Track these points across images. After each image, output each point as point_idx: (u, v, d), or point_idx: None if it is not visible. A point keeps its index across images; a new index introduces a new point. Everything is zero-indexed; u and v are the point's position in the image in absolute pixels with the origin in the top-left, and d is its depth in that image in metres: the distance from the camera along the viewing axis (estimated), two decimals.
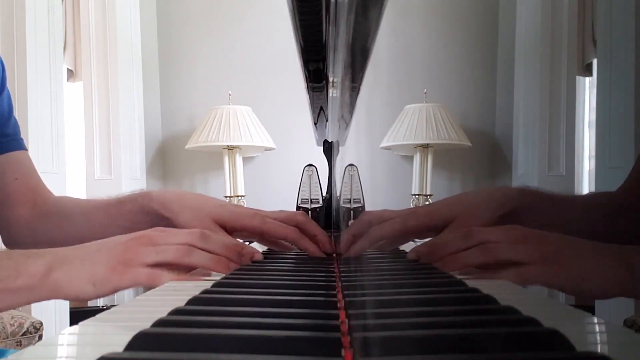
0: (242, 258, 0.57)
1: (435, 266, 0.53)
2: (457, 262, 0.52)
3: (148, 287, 0.49)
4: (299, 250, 0.71)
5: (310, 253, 0.67)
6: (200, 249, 0.53)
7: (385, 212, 0.69)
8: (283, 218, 0.69)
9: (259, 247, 0.72)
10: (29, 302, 0.49)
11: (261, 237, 0.72)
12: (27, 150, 0.82)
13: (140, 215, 0.71)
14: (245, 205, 2.52)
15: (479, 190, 0.75)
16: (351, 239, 0.64)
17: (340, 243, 0.67)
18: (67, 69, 2.45)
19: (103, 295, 0.49)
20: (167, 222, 0.69)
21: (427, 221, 0.66)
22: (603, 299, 0.48)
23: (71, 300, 0.51)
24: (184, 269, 0.54)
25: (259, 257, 0.58)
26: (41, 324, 1.63)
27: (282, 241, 0.73)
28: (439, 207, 0.68)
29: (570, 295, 0.50)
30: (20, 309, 1.70)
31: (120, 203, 0.74)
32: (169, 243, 0.52)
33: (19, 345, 1.54)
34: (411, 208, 0.74)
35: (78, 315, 1.79)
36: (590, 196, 0.89)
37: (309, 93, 0.76)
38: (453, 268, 0.51)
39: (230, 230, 0.68)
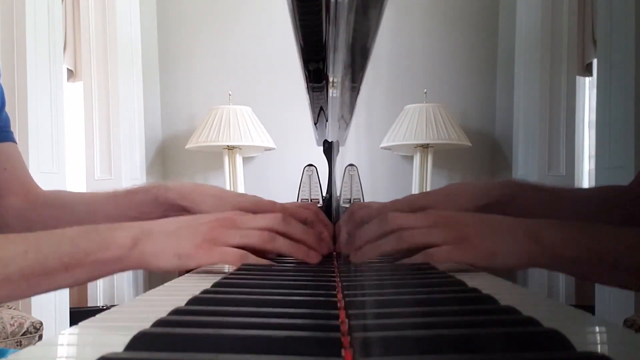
0: (322, 243, 0.59)
1: (355, 255, 0.55)
2: (373, 251, 0.53)
3: (233, 265, 0.52)
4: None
5: (324, 237, 0.67)
6: (281, 233, 0.55)
7: (372, 203, 0.71)
8: (299, 205, 0.74)
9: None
10: (118, 272, 0.51)
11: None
12: (16, 143, 0.82)
13: (152, 206, 0.71)
14: None
15: (464, 182, 0.76)
16: (347, 237, 0.65)
17: (339, 240, 0.67)
18: (67, 69, 2.45)
19: (188, 269, 0.53)
20: (184, 212, 0.69)
21: (407, 210, 0.66)
22: (514, 269, 0.51)
23: (157, 270, 0.51)
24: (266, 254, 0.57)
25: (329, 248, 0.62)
26: (41, 324, 1.63)
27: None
28: (420, 196, 0.71)
29: (484, 269, 0.53)
30: (20, 309, 1.70)
31: (130, 193, 0.74)
32: (252, 227, 0.54)
33: (19, 345, 1.54)
34: (394, 200, 0.74)
35: (78, 315, 1.79)
36: (597, 189, 0.88)
37: (309, 93, 0.76)
38: (369, 256, 0.53)
39: None
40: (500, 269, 0.50)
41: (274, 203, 0.71)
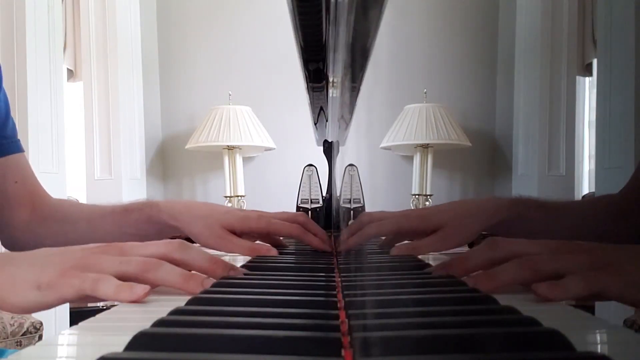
0: (226, 269, 0.49)
1: (466, 282, 0.45)
2: (495, 280, 0.43)
3: (93, 297, 0.41)
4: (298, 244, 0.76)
5: (314, 246, 0.71)
6: (176, 261, 0.46)
7: (382, 213, 0.71)
8: (286, 218, 0.72)
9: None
10: None
11: (267, 237, 0.74)
12: (24, 152, 0.82)
13: (147, 224, 0.72)
14: (245, 206, 2.53)
15: (472, 200, 0.76)
16: (348, 237, 0.65)
17: (340, 241, 0.67)
18: (67, 69, 2.45)
19: (47, 305, 0.42)
20: (176, 231, 0.70)
21: (418, 224, 0.68)
22: None
23: (10, 311, 0.42)
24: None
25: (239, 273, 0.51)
26: (41, 324, 1.63)
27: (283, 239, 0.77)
28: (431, 213, 0.70)
29: (629, 304, 0.42)
30: None
31: (126, 211, 0.74)
32: (139, 254, 0.46)
33: (19, 345, 1.54)
34: (406, 210, 0.75)
35: (78, 315, 1.79)
36: (593, 200, 0.89)
37: (309, 93, 0.76)
38: (491, 287, 0.42)
39: (240, 233, 0.71)
40: None
41: (260, 215, 0.71)
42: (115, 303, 0.42)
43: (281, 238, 0.76)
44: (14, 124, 0.81)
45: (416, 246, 0.66)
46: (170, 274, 0.44)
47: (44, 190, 0.83)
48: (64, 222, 0.78)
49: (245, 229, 0.70)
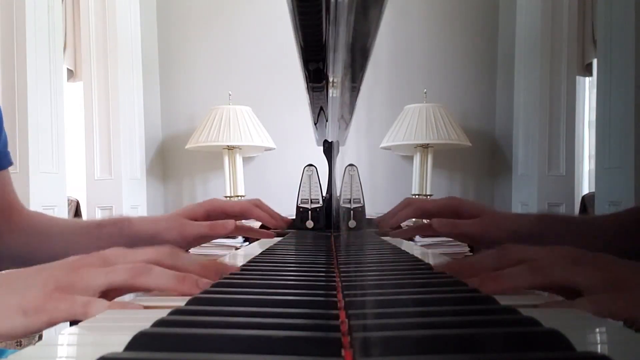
0: (219, 273, 0.48)
1: (471, 284, 0.44)
2: (500, 281, 0.42)
3: (85, 318, 0.38)
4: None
5: (264, 222, 0.81)
6: (168, 267, 0.45)
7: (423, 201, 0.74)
8: (239, 203, 0.83)
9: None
10: None
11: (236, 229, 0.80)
12: (12, 164, 0.84)
13: (118, 238, 0.73)
14: None
15: (497, 212, 0.74)
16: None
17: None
18: (67, 69, 2.45)
19: (37, 330, 0.39)
20: (150, 242, 0.69)
21: (451, 228, 0.71)
22: None
23: None
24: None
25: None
26: None
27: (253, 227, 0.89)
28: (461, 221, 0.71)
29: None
30: None
31: (99, 226, 0.76)
32: (126, 262, 0.44)
33: (19, 345, 1.54)
34: (440, 221, 0.72)
35: None
36: (625, 212, 0.85)
37: (309, 93, 0.76)
38: (496, 288, 0.41)
39: (204, 218, 0.79)
40: None
41: (225, 221, 0.78)
42: None
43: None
44: (5, 137, 0.82)
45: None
46: (162, 277, 0.43)
47: (20, 203, 0.84)
48: (38, 234, 0.79)
49: (203, 213, 0.79)
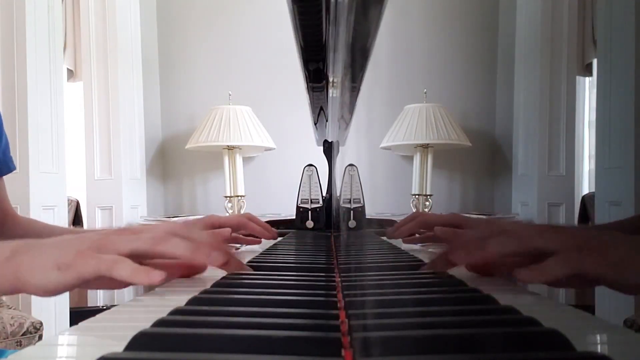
0: (227, 242, 0.55)
1: (454, 259, 0.47)
2: (482, 249, 0.45)
3: (110, 278, 0.43)
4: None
5: (259, 234, 0.83)
6: (182, 237, 0.48)
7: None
8: (234, 217, 0.84)
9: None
10: None
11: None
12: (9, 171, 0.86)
13: None
14: (245, 206, 2.53)
15: (515, 222, 0.75)
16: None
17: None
18: (67, 69, 2.45)
19: (68, 285, 0.43)
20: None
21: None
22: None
23: (34, 293, 0.44)
24: (168, 269, 0.47)
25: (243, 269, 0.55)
26: (41, 324, 1.63)
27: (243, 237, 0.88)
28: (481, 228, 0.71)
29: (611, 287, 0.42)
30: (20, 308, 1.70)
31: (87, 233, 0.78)
32: (150, 231, 0.48)
33: (19, 345, 1.54)
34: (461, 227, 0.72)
35: (78, 315, 1.79)
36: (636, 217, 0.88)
37: (309, 93, 0.76)
38: (475, 256, 0.45)
39: None
40: (633, 285, 0.41)
41: (223, 229, 0.78)
42: (115, 303, 0.42)
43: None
44: (7, 142, 0.84)
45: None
46: (178, 246, 0.47)
47: (14, 211, 0.86)
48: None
49: (202, 229, 0.80)
